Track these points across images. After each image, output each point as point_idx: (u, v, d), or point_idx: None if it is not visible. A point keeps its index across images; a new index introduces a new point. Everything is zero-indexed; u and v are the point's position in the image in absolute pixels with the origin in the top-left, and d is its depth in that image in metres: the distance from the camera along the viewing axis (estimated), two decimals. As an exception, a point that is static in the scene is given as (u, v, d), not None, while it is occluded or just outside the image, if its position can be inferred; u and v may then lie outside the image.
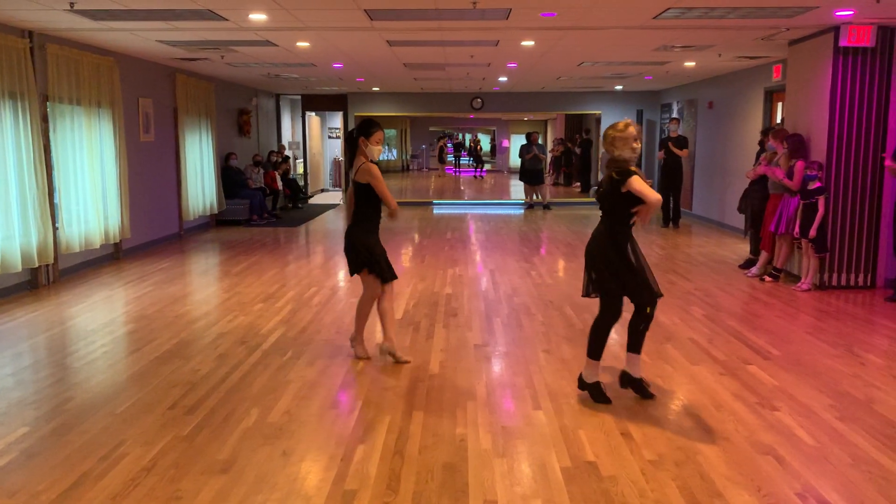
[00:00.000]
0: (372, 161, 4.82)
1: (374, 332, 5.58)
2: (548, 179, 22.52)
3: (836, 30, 7.07)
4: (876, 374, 4.73)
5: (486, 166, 32.02)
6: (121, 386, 4.57)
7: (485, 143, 34.70)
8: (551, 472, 3.34)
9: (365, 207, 4.85)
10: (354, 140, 4.87)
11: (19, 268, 7.04)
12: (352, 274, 4.96)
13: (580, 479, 3.27)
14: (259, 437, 3.75)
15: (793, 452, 3.56)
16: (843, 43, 7.01)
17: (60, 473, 3.34)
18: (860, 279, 7.45)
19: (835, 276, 7.43)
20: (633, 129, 4.04)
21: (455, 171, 30.40)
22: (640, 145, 4.09)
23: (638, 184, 3.87)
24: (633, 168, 3.97)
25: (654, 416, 4.01)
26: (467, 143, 34.10)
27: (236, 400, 4.29)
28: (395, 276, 4.99)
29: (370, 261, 4.86)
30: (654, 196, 3.86)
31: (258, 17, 6.80)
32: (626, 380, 4.33)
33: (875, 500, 3.10)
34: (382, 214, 4.93)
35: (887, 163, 6.88)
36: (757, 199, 8.28)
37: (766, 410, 4.09)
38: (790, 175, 7.45)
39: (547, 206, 16.06)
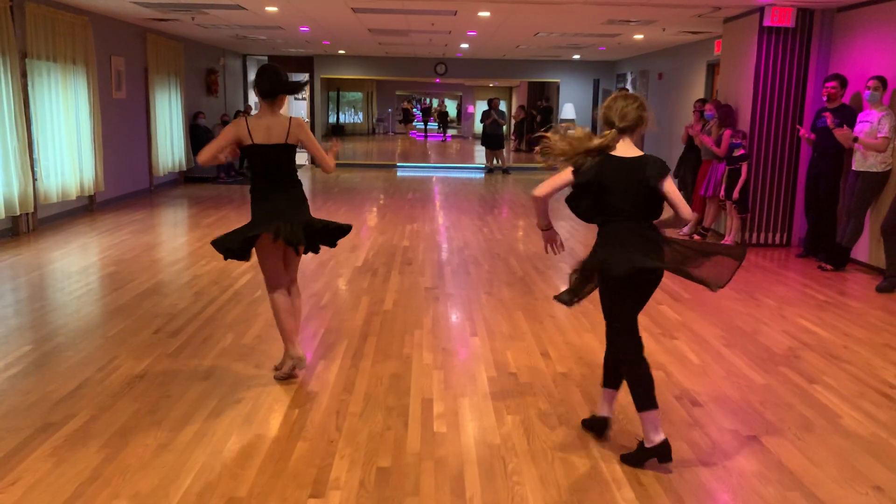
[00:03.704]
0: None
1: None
2: (511, 145, 23.23)
3: (761, 10, 7.77)
4: (766, 314, 5.53)
5: (452, 132, 32.53)
6: (108, 315, 5.16)
7: (451, 108, 35.15)
8: (479, 380, 4.05)
9: (294, 169, 4.02)
10: (276, 95, 3.88)
11: (3, 215, 7.51)
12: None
13: (501, 384, 3.99)
14: (234, 354, 4.40)
15: (679, 369, 4.32)
16: (766, 23, 7.72)
17: (65, 378, 3.96)
18: (777, 238, 8.27)
19: (755, 234, 8.24)
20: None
21: (423, 136, 30.85)
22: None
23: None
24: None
25: (570, 342, 4.74)
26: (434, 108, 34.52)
27: (213, 327, 4.92)
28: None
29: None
30: None
31: (230, -17, 7.28)
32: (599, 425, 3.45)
33: (735, 400, 3.87)
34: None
35: (802, 132, 7.63)
36: (691, 164, 9.07)
37: (666, 339, 4.85)
38: (718, 142, 8.20)
39: (506, 171, 16.71)
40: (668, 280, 6.46)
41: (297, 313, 4.11)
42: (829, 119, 7.01)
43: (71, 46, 8.93)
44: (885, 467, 3.18)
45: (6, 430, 3.34)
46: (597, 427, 3.40)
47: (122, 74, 10.64)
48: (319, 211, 10.18)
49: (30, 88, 8.13)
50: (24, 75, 7.97)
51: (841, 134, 6.73)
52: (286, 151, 3.89)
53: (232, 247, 3.83)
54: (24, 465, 3.03)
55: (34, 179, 8.16)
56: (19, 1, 7.86)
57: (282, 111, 3.98)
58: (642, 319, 5.24)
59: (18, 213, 7.81)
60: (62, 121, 8.80)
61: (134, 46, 11.08)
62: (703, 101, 9.08)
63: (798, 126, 7.83)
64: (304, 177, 14.88)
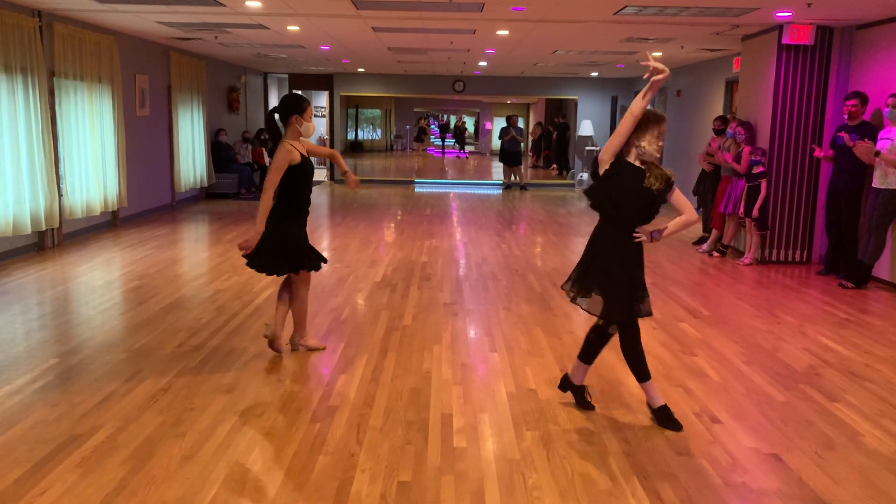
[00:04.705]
0: (303, 139, 4.46)
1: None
2: (528, 161, 23.31)
3: (780, 28, 7.79)
4: (787, 331, 5.51)
5: (469, 148, 32.64)
6: (133, 329, 5.24)
7: (469, 125, 35.28)
8: (498, 396, 4.07)
9: (284, 193, 4.39)
10: (285, 118, 4.40)
11: (29, 230, 7.65)
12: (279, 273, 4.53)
13: (521, 400, 4.01)
14: (257, 368, 4.46)
15: (699, 385, 4.31)
16: (785, 41, 7.73)
17: (92, 391, 4.03)
18: (797, 255, 8.23)
19: (774, 251, 8.20)
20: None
21: (441, 153, 30.98)
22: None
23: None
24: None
25: (590, 358, 4.75)
26: (452, 125, 34.66)
27: (235, 341, 4.98)
28: (318, 266, 4.62)
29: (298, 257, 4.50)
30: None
31: (254, 3, 7.40)
32: (567, 384, 3.99)
33: (755, 417, 3.86)
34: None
35: (816, 153, 7.61)
36: (710, 181, 9.06)
37: (686, 356, 4.85)
38: (738, 159, 8.20)
39: (524, 187, 16.77)
40: (688, 297, 6.47)
41: (294, 306, 4.69)
42: (845, 139, 7.00)
43: (97, 65, 9.11)
44: (907, 486, 3.16)
45: (35, 441, 3.40)
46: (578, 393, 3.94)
47: (146, 92, 10.83)
48: (338, 227, 10.31)
49: (57, 106, 8.30)
50: (51, 93, 8.15)
51: (863, 146, 6.73)
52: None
53: None
54: (53, 476, 3.09)
55: (60, 195, 8.31)
56: (48, 21, 8.06)
57: (303, 131, 4.43)
58: (662, 336, 5.29)
59: (44, 228, 7.95)
60: (88, 138, 8.97)
61: (158, 65, 11.27)
62: (722, 120, 9.07)
63: (814, 146, 7.82)
64: (324, 192, 15.03)
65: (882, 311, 6.18)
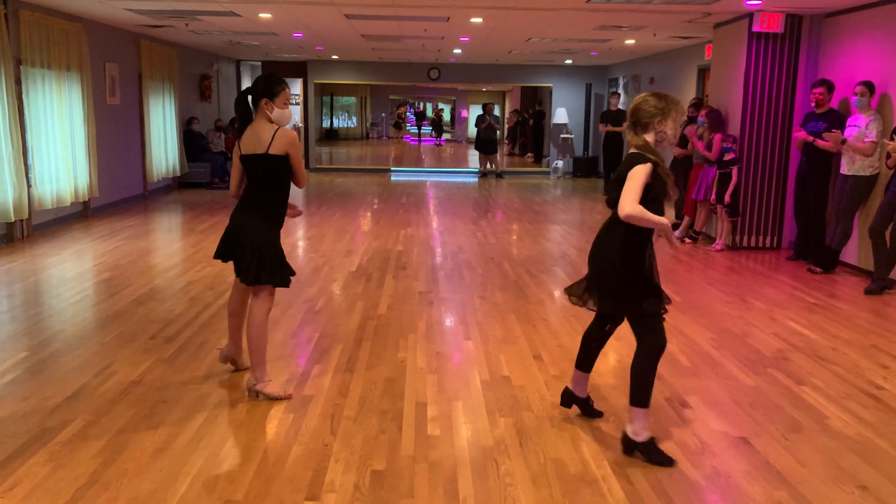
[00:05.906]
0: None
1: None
2: (505, 149, 23.34)
3: (750, 16, 7.86)
4: (757, 316, 5.59)
5: (446, 136, 32.61)
6: (105, 321, 5.19)
7: (446, 113, 35.24)
8: (472, 383, 4.10)
9: (276, 189, 3.78)
10: (255, 101, 3.76)
11: (-3, 222, 7.54)
12: (251, 283, 3.78)
13: (495, 388, 4.04)
14: (230, 359, 4.44)
15: (670, 371, 4.38)
16: (755, 28, 7.80)
17: (63, 385, 3.99)
18: (768, 241, 8.35)
19: (745, 237, 8.31)
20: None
21: (417, 141, 30.92)
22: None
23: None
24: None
25: (562, 345, 4.80)
26: (429, 113, 34.60)
27: (208, 332, 4.96)
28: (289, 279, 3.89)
29: (275, 266, 3.77)
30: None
31: (224, -10, 7.32)
32: (571, 398, 3.70)
33: (725, 402, 3.93)
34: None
35: (798, 134, 7.65)
36: (682, 168, 9.14)
37: (657, 341, 4.90)
38: (709, 147, 8.28)
39: (500, 175, 16.79)
40: (662, 285, 6.52)
41: (249, 331, 3.85)
42: (800, 134, 7.19)
43: (65, 53, 8.95)
44: (870, 467, 3.24)
45: (4, 436, 3.37)
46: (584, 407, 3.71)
47: (116, 80, 10.67)
48: (314, 216, 10.25)
49: (24, 95, 8.14)
50: (18, 82, 7.99)
51: (830, 136, 6.83)
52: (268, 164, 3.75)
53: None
54: (23, 470, 3.07)
55: (28, 186, 8.18)
56: (13, 8, 7.90)
57: (275, 119, 3.78)
58: (634, 322, 5.32)
59: (13, 220, 7.82)
60: (56, 127, 8.82)
61: (128, 53, 11.11)
62: (696, 106, 9.14)
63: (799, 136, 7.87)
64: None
65: (849, 296, 6.30)
